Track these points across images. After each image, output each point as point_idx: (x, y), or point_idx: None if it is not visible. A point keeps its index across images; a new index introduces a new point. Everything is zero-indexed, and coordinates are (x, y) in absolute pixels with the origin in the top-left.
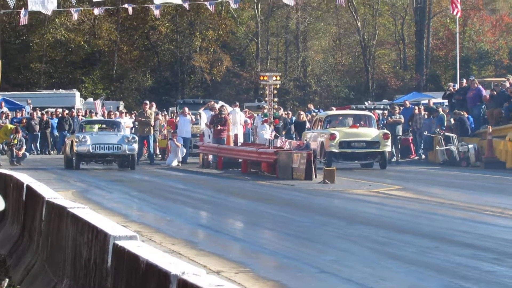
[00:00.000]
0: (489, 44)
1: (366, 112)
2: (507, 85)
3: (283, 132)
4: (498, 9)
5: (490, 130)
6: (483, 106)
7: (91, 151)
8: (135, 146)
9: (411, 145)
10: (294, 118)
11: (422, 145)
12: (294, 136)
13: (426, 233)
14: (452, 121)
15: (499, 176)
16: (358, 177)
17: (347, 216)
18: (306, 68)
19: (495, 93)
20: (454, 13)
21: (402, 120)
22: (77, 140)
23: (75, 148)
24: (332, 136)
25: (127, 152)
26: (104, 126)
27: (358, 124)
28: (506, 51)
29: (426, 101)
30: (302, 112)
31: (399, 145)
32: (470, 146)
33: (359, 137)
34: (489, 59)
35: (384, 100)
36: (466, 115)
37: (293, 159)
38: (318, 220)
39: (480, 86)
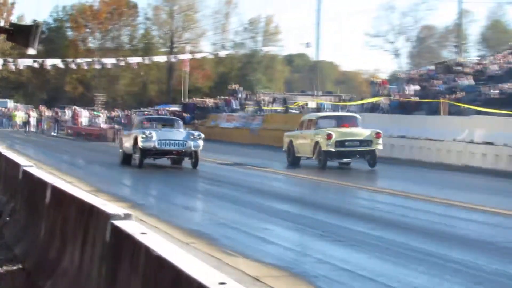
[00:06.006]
0: None
1: (352, 114)
2: None
3: None
4: None
5: None
6: None
7: (157, 147)
8: (201, 143)
9: None
10: None
11: None
12: None
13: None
14: None
15: None
16: None
17: None
18: None
19: None
20: None
21: None
22: (143, 136)
23: (140, 144)
24: (329, 136)
25: (193, 148)
26: (166, 123)
27: (347, 124)
28: None
29: None
30: None
31: None
32: None
33: (353, 136)
34: None
35: None
36: None
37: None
38: None
39: None
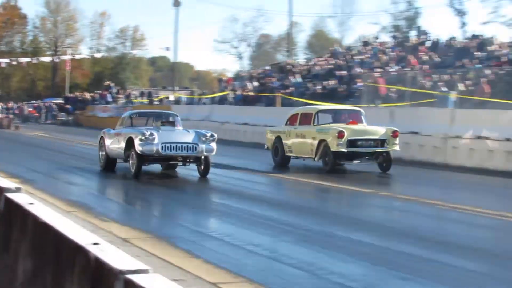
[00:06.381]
0: None
1: (356, 108)
2: None
3: None
4: None
5: None
6: None
7: (160, 152)
8: (214, 146)
9: None
10: None
11: None
12: None
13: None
14: None
15: None
16: None
17: None
18: None
19: None
20: None
21: None
22: (142, 137)
23: (138, 148)
24: (341, 134)
25: (205, 153)
26: (162, 120)
27: (354, 120)
28: None
29: None
30: None
31: None
32: None
33: (367, 135)
34: None
35: None
36: None
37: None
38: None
39: None
